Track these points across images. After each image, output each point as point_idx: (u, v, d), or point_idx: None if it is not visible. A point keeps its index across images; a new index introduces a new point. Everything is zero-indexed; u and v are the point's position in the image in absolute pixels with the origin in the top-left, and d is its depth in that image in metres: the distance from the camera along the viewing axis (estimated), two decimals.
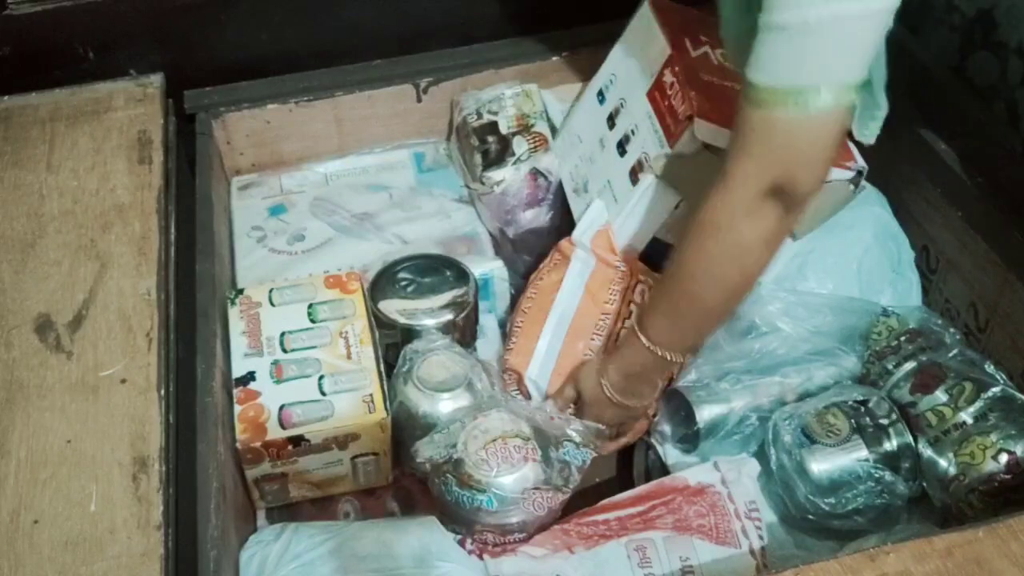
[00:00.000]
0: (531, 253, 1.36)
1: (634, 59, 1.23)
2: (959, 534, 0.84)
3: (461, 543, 1.02)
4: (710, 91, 1.12)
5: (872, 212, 1.25)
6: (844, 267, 1.20)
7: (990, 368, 1.12)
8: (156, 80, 1.32)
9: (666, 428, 1.16)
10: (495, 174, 1.31)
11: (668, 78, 1.14)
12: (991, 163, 1.20)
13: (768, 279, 1.16)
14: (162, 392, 0.97)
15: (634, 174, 1.17)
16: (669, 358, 1.02)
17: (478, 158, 1.33)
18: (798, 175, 0.86)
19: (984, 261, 1.16)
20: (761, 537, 1.02)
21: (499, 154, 1.32)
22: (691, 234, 0.96)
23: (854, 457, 1.05)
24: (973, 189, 1.20)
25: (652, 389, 1.11)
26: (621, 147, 1.21)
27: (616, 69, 1.27)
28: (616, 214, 1.19)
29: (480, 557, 1.00)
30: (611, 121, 1.24)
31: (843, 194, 1.14)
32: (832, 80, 0.82)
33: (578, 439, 1.04)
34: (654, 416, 1.15)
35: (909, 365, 1.14)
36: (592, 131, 1.28)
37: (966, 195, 1.20)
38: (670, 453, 1.15)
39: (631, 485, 1.20)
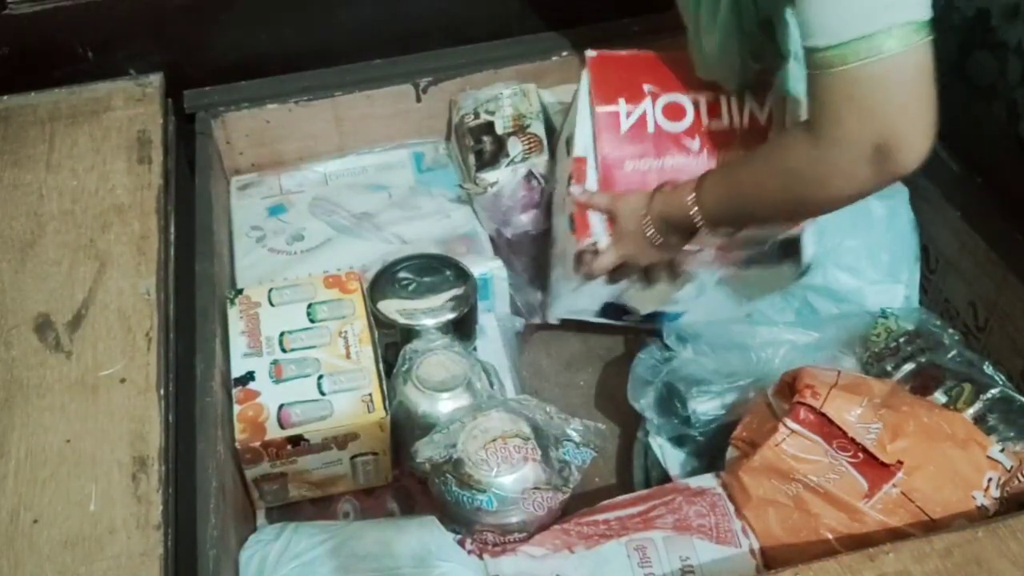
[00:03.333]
0: (527, 254, 1.36)
1: (568, 136, 1.19)
2: (959, 534, 0.84)
3: (461, 543, 1.01)
4: (631, 180, 1.11)
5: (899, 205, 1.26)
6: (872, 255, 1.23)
7: (989, 369, 1.12)
8: (155, 80, 1.32)
9: (660, 420, 1.16)
10: (488, 175, 1.31)
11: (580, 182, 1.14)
12: (991, 163, 1.20)
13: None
14: (161, 392, 0.97)
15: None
16: (699, 224, 1.03)
17: (472, 158, 1.34)
18: (902, 130, 0.82)
19: (984, 261, 1.16)
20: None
21: (493, 155, 1.32)
22: (771, 160, 0.95)
23: None
24: (973, 189, 1.20)
25: (680, 242, 1.09)
26: (572, 222, 1.19)
27: (573, 129, 1.18)
28: (568, 283, 1.21)
29: (480, 557, 1.00)
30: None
31: (787, 274, 1.15)
32: (897, 19, 0.79)
33: (578, 439, 1.04)
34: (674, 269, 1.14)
35: (908, 367, 1.14)
36: (560, 186, 1.26)
37: (966, 195, 1.20)
38: (670, 458, 1.16)
39: (631, 486, 1.20)
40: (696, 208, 1.03)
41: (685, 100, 1.14)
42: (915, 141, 0.83)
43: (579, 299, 1.23)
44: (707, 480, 1.06)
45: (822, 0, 0.81)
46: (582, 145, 1.14)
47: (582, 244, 1.14)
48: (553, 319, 1.27)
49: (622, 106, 1.13)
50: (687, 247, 1.10)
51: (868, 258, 1.22)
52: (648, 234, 1.09)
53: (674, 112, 1.13)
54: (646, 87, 1.14)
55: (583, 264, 1.15)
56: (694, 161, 1.12)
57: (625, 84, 1.14)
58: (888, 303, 1.24)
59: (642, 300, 1.22)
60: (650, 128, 1.13)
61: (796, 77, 1.09)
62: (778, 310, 1.24)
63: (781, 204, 0.97)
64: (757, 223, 1.06)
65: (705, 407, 1.13)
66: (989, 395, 1.07)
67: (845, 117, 0.83)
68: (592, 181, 1.13)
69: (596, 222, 1.13)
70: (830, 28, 0.81)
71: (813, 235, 1.12)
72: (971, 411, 1.06)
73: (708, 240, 1.08)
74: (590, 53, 1.16)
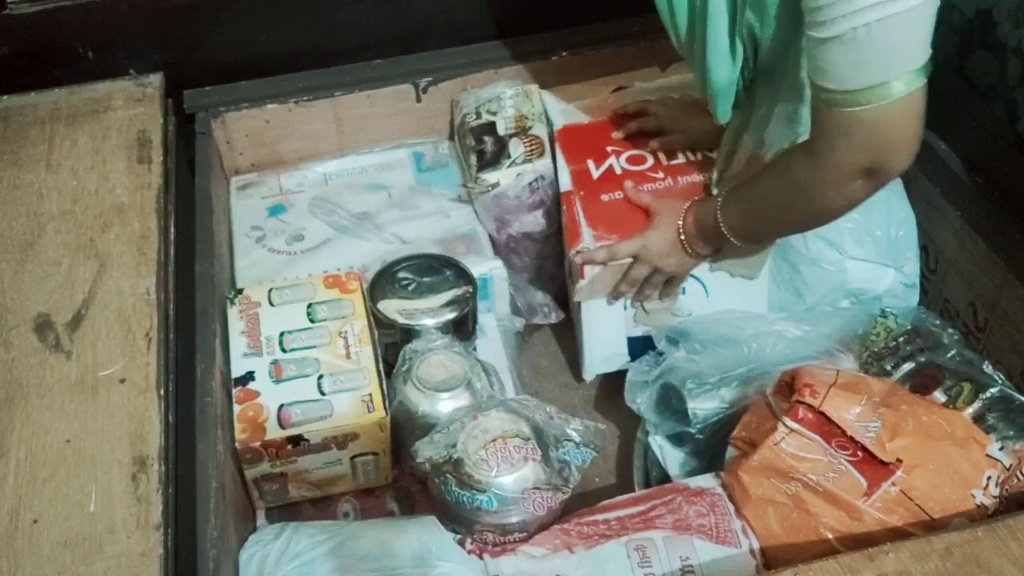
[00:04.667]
0: (528, 255, 1.36)
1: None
2: (959, 534, 0.84)
3: (461, 543, 1.01)
4: (609, 211, 1.21)
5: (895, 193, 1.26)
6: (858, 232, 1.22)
7: (988, 368, 1.12)
8: (155, 80, 1.32)
9: (658, 420, 1.16)
10: (490, 176, 1.31)
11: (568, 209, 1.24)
12: (991, 163, 1.20)
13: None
14: (161, 392, 0.97)
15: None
16: (727, 235, 1.11)
17: (473, 159, 1.33)
18: (888, 158, 0.92)
19: (983, 261, 1.16)
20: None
21: (495, 156, 1.32)
22: (777, 176, 1.04)
23: None
24: (973, 189, 1.20)
25: (706, 250, 1.16)
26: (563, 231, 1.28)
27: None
28: (592, 333, 1.26)
29: (480, 557, 1.00)
30: None
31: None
32: (897, 72, 0.86)
33: (578, 439, 1.04)
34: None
35: (907, 366, 1.14)
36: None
37: (966, 195, 1.20)
38: (669, 458, 1.16)
39: (631, 486, 1.20)
40: (724, 220, 1.10)
41: (644, 152, 1.28)
42: (900, 163, 0.93)
43: (605, 344, 1.27)
44: (707, 480, 1.06)
45: (836, 50, 0.87)
46: (564, 184, 1.27)
47: (576, 249, 1.19)
48: (589, 377, 1.31)
49: (590, 165, 1.27)
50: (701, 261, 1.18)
51: (851, 234, 1.22)
52: (681, 237, 1.15)
53: (636, 160, 1.27)
54: (609, 148, 1.28)
55: (601, 252, 1.19)
56: (661, 186, 1.23)
57: (591, 149, 1.29)
58: (874, 285, 1.23)
59: (648, 320, 1.26)
60: (617, 171, 1.26)
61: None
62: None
63: (790, 215, 1.06)
64: (775, 235, 1.15)
65: (703, 403, 1.13)
66: (988, 394, 1.07)
67: (841, 147, 0.92)
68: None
69: (587, 236, 1.20)
70: (842, 76, 0.88)
71: None
72: (970, 410, 1.06)
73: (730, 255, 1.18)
74: (557, 127, 1.33)
